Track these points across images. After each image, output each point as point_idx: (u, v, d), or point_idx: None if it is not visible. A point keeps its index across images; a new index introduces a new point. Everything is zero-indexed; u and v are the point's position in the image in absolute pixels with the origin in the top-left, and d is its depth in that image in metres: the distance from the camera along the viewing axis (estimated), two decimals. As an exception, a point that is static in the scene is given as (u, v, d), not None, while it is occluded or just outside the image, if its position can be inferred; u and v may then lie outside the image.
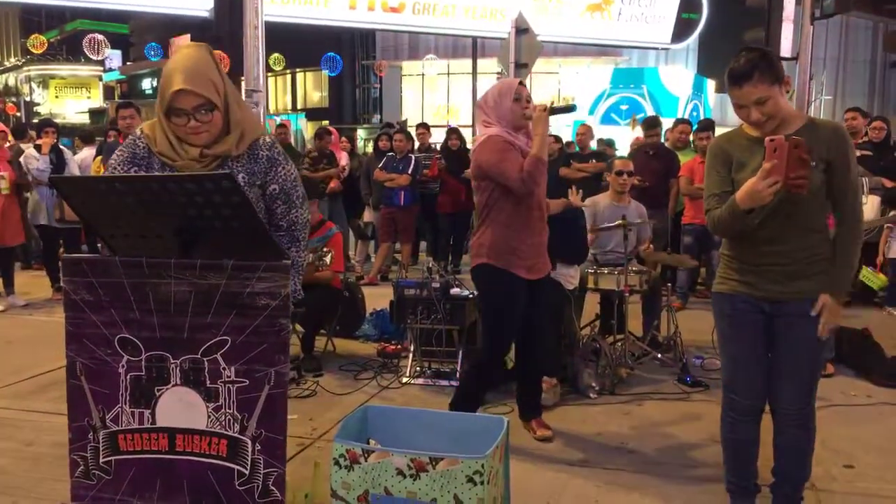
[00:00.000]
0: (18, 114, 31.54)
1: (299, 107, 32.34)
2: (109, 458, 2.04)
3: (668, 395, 4.36)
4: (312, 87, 33.54)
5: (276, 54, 24.75)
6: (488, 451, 2.11)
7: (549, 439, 3.61)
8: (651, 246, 5.36)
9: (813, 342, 2.55)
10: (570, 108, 3.85)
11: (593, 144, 10.02)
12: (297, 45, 24.83)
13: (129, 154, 2.38)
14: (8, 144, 7.40)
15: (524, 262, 3.39)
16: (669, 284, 5.76)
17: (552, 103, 3.36)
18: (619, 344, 4.81)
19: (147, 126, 2.39)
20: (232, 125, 2.32)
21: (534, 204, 3.39)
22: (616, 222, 4.80)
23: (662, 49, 19.92)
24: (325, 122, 25.21)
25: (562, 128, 17.74)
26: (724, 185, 2.55)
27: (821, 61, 22.29)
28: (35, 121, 21.04)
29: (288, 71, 30.87)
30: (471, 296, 4.60)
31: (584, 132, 9.34)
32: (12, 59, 40.78)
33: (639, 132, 13.13)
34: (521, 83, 3.44)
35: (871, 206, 6.54)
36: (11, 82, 39.73)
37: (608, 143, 10.73)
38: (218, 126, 2.30)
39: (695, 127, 8.00)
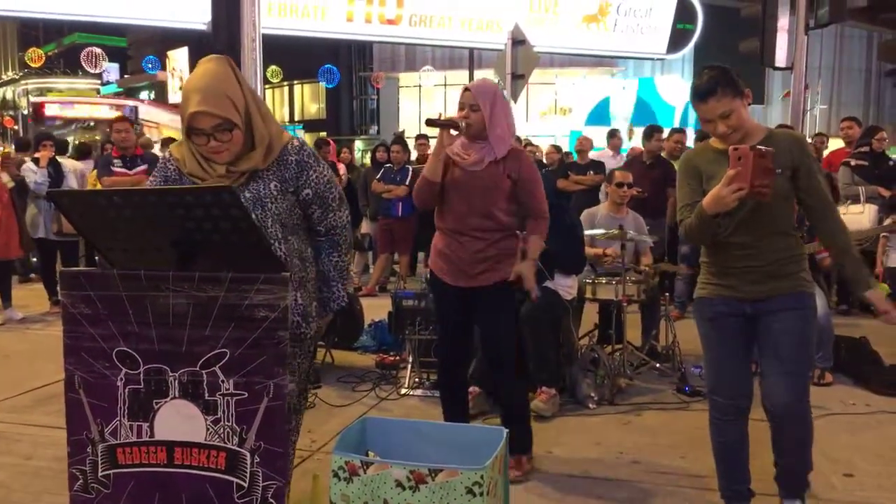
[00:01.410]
0: (16, 127, 31.57)
1: (297, 118, 32.46)
2: (108, 472, 2.03)
3: (667, 405, 4.36)
4: (310, 99, 33.66)
5: (273, 66, 24.85)
6: (487, 462, 2.11)
7: (512, 481, 3.20)
8: (650, 257, 5.37)
9: (799, 333, 2.63)
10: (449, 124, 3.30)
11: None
12: (295, 57, 24.96)
13: (161, 178, 2.37)
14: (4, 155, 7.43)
15: (447, 267, 3.33)
16: (667, 294, 5.77)
17: (439, 115, 3.23)
18: (618, 354, 4.82)
19: (174, 148, 2.37)
20: (256, 140, 2.27)
21: (454, 212, 3.27)
22: (612, 231, 4.81)
23: (658, 59, 20.03)
24: (323, 134, 25.28)
25: (559, 138, 17.80)
26: (695, 196, 2.65)
27: (816, 71, 22.40)
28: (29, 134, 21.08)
29: (285, 83, 30.99)
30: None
31: (584, 143, 9.38)
32: (10, 73, 40.90)
33: (636, 142, 13.18)
34: (466, 89, 3.26)
35: (867, 215, 6.56)
36: (9, 96, 39.80)
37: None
38: (239, 143, 2.25)
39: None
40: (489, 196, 3.24)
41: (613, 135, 10.17)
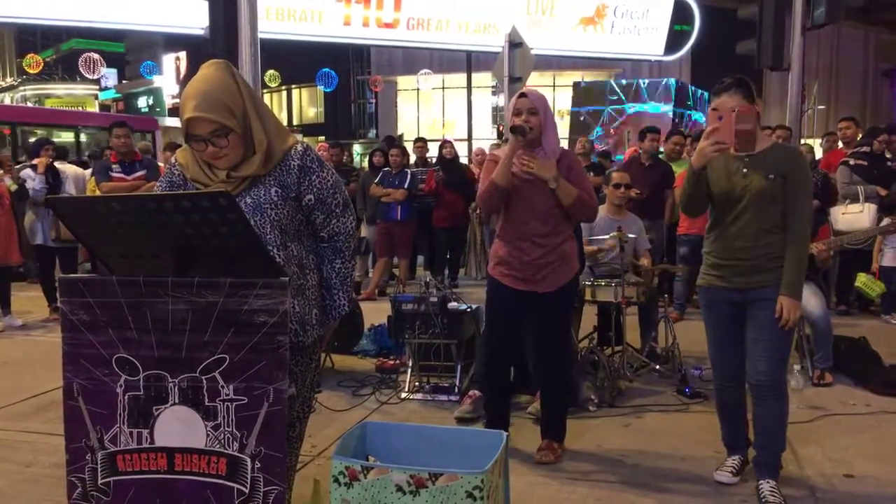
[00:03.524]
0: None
1: (295, 123, 32.46)
2: (108, 479, 2.02)
3: (668, 407, 4.35)
4: (308, 104, 33.69)
5: (271, 71, 24.86)
6: (487, 465, 2.11)
7: (546, 463, 3.48)
8: (650, 259, 5.37)
9: (776, 321, 3.03)
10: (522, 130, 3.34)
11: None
12: (293, 61, 24.97)
13: (167, 184, 2.38)
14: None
15: (511, 272, 3.42)
16: (666, 296, 5.77)
17: (512, 124, 3.29)
18: (618, 356, 4.81)
19: (180, 154, 2.37)
20: (256, 146, 2.26)
21: (514, 220, 3.38)
22: (611, 234, 4.81)
23: (655, 61, 20.05)
24: (322, 138, 25.29)
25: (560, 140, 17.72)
26: None
27: (813, 71, 22.42)
28: (31, 139, 21.04)
29: (283, 87, 30.99)
30: (468, 309, 4.61)
31: (584, 144, 9.37)
32: (8, 79, 40.83)
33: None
34: (522, 95, 3.37)
35: (867, 214, 6.56)
36: (7, 102, 39.76)
37: (603, 156, 10.73)
38: (237, 148, 2.24)
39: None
40: (549, 200, 3.33)
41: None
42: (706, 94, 18.50)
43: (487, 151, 6.94)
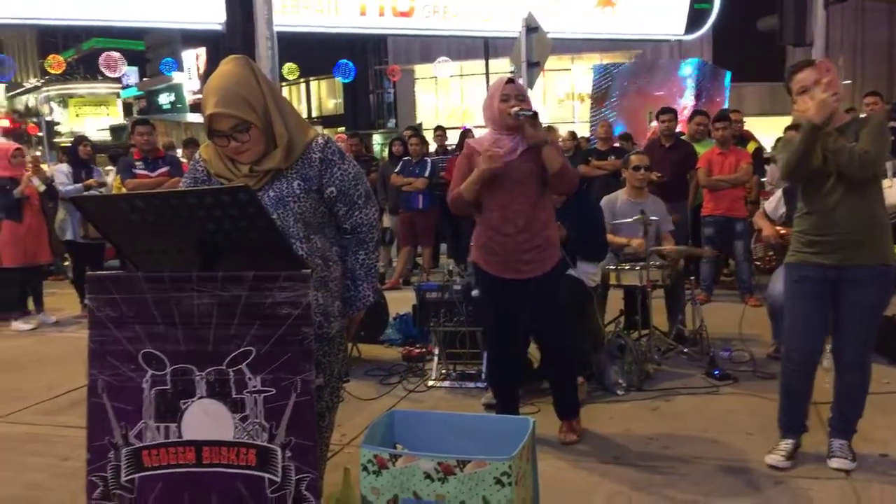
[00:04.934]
0: (41, 133, 31.99)
1: (314, 115, 32.55)
2: (132, 476, 2.03)
3: (697, 390, 4.32)
4: (327, 95, 33.75)
5: (289, 64, 24.90)
6: (515, 451, 2.11)
7: (570, 443, 3.55)
8: (672, 241, 5.31)
9: (871, 305, 3.08)
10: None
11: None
12: (310, 53, 25.00)
13: (191, 180, 2.41)
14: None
15: (494, 259, 3.40)
16: (693, 278, 5.71)
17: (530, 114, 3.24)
18: (645, 339, 4.78)
19: (203, 150, 2.40)
20: (277, 139, 2.27)
21: (495, 205, 3.35)
22: (634, 218, 4.76)
23: (676, 40, 19.80)
24: (342, 129, 25.36)
25: (577, 123, 17.67)
26: None
27: (837, 46, 22.00)
28: (56, 140, 21.35)
29: (302, 80, 31.05)
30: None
31: (606, 128, 9.29)
32: (32, 80, 41.39)
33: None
34: (509, 81, 3.36)
35: (895, 189, 6.43)
36: (32, 103, 40.32)
37: (624, 138, 10.64)
38: (259, 143, 2.26)
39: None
40: (528, 183, 3.32)
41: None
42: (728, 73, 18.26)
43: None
